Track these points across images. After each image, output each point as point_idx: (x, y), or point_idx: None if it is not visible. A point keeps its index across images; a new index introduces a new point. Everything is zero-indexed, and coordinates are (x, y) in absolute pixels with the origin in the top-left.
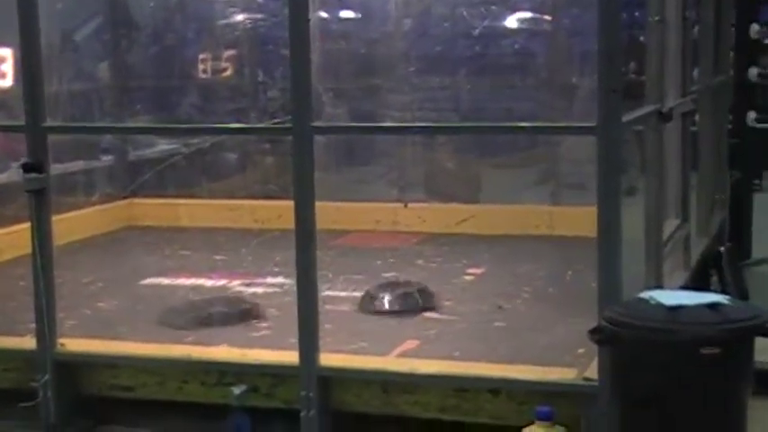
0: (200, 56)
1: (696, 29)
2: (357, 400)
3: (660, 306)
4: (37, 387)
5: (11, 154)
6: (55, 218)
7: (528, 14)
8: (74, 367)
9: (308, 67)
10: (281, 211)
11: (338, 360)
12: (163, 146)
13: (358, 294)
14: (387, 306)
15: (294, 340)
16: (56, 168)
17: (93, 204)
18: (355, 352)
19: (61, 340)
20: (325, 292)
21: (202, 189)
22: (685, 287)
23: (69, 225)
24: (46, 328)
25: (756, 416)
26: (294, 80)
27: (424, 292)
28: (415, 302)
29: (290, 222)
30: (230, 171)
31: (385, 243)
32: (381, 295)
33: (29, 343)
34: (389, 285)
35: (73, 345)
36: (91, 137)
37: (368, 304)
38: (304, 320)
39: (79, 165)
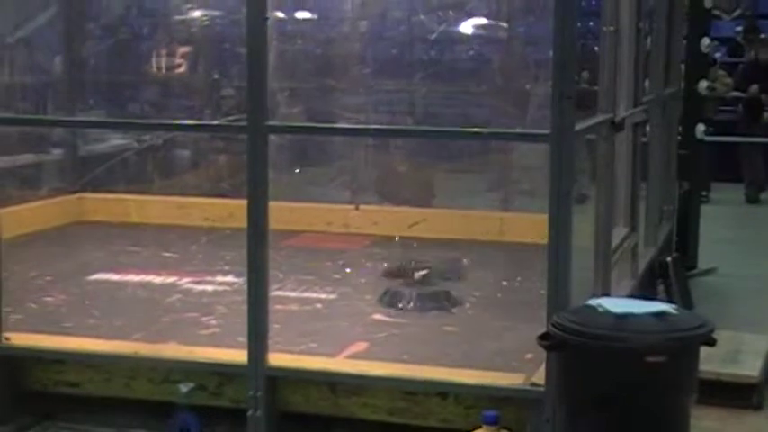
0: (155, 51)
1: (649, 40)
2: (305, 400)
3: (608, 313)
4: None
5: None
6: (2, 211)
7: (484, 21)
8: (19, 362)
9: (265, 66)
10: (231, 210)
11: (287, 360)
12: (114, 141)
13: (308, 295)
14: (412, 304)
15: (243, 339)
16: (4, 161)
17: (43, 198)
18: (304, 352)
19: (6, 334)
20: (276, 292)
21: (154, 186)
22: (632, 296)
23: (18, 218)
24: None
25: (699, 425)
26: (250, 79)
27: (449, 293)
28: (441, 302)
29: (240, 221)
30: (182, 168)
31: (336, 245)
32: (406, 292)
33: None
34: (415, 283)
35: (18, 339)
36: (41, 130)
37: (390, 300)
38: (253, 320)
39: (29, 158)
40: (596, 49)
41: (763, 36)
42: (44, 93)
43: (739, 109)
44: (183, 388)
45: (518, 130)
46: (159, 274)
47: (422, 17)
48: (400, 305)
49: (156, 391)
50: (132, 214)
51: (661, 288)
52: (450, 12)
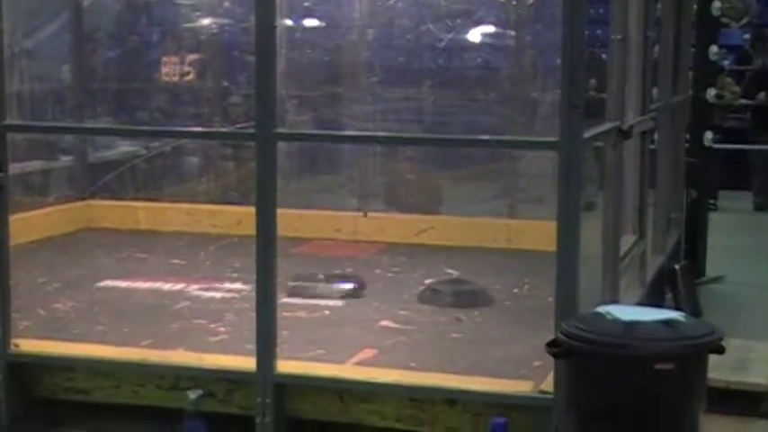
0: (163, 59)
1: (656, 48)
2: (313, 407)
3: (616, 321)
4: None
5: None
6: (12, 217)
7: (492, 29)
8: (27, 369)
9: (274, 74)
10: (240, 217)
11: (295, 367)
12: (123, 148)
13: (316, 302)
14: (449, 299)
15: (251, 346)
16: (13, 168)
17: (52, 205)
18: (312, 359)
19: (15, 341)
20: (284, 300)
21: (162, 192)
22: (641, 303)
23: (27, 225)
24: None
25: None
26: (259, 86)
27: (483, 291)
28: (474, 299)
29: (248, 228)
30: (191, 175)
31: (344, 252)
32: (444, 289)
33: None
34: (451, 282)
35: (27, 346)
36: (51, 137)
37: (429, 297)
38: (262, 327)
39: (37, 165)
40: (604, 56)
41: None
42: (53, 100)
43: (747, 116)
44: (192, 395)
45: (526, 138)
46: (168, 281)
47: (430, 25)
48: (439, 302)
49: (165, 398)
50: (141, 221)
51: (669, 296)
52: (458, 20)
